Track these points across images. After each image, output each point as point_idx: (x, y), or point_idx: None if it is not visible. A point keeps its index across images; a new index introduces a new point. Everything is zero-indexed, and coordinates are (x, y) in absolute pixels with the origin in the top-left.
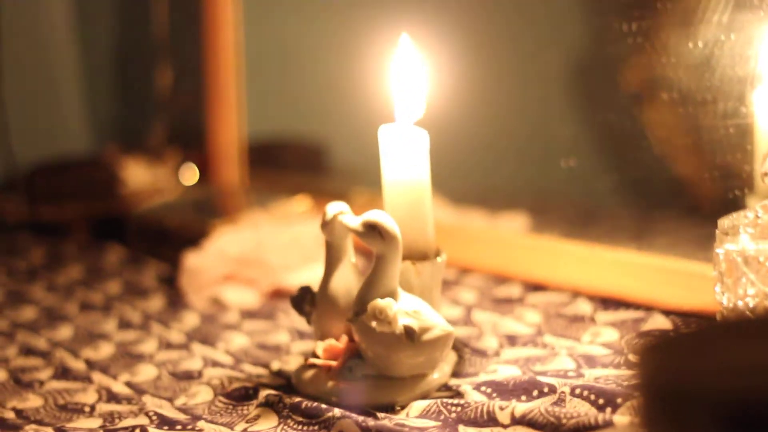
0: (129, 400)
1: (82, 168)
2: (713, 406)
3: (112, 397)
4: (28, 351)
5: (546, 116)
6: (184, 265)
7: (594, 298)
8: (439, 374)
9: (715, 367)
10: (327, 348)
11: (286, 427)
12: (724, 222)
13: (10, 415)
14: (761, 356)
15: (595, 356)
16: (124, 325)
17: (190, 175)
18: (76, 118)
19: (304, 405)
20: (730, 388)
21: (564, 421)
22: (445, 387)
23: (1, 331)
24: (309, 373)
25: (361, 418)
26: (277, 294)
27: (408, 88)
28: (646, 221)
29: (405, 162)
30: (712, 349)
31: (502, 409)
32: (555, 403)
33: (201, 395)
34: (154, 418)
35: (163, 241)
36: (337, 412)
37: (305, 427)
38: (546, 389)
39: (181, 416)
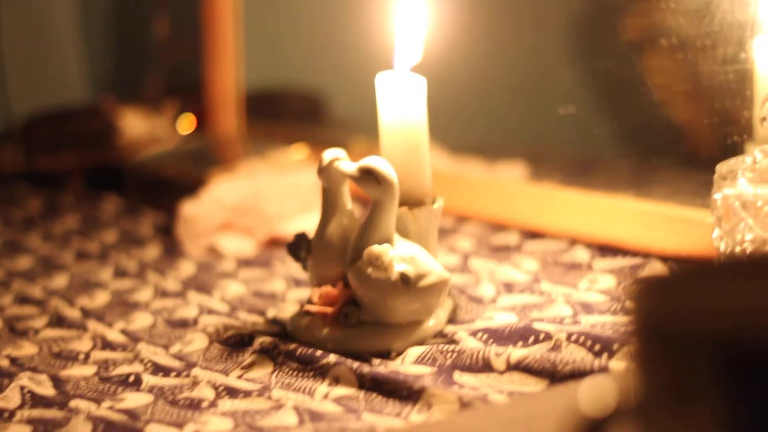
0: (124, 348)
1: (79, 118)
2: (711, 346)
3: (107, 345)
4: (23, 300)
5: (544, 63)
6: (181, 213)
7: (591, 246)
8: (435, 321)
9: (712, 309)
10: (322, 294)
11: (281, 373)
12: (722, 167)
13: (5, 362)
14: (758, 296)
15: (592, 303)
16: (120, 273)
17: (187, 124)
18: (73, 67)
19: (299, 352)
20: (727, 329)
21: (560, 367)
22: (441, 334)
23: None
24: (304, 320)
25: (356, 365)
26: (274, 242)
27: (407, 32)
28: (644, 168)
29: (402, 108)
30: (709, 291)
31: (497, 355)
32: (551, 350)
33: (196, 343)
34: (149, 365)
35: (159, 191)
36: (332, 358)
37: (300, 374)
38: (542, 336)
39: (176, 363)
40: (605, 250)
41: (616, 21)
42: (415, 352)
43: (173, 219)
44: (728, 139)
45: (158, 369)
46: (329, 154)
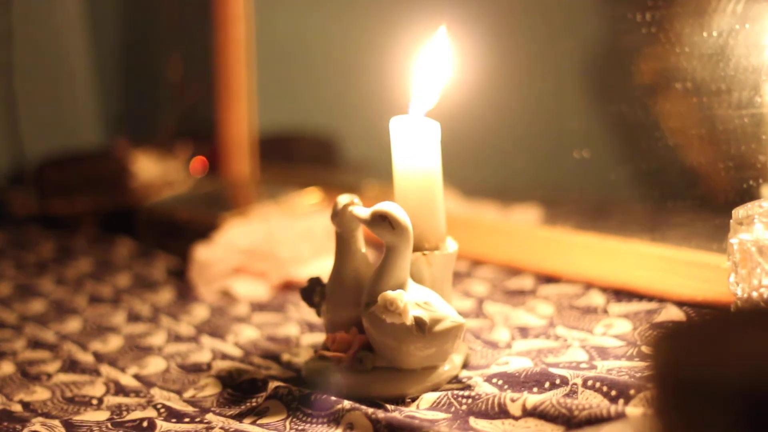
0: (137, 393)
1: (92, 161)
2: (728, 396)
3: (120, 390)
4: (36, 344)
5: (559, 107)
6: (195, 257)
7: (607, 290)
8: (450, 366)
9: (730, 357)
10: (337, 339)
11: (295, 419)
12: (739, 212)
13: (17, 407)
14: None
15: (608, 348)
16: (133, 317)
17: (200, 167)
18: (86, 110)
19: (313, 397)
20: (744, 379)
21: (576, 412)
22: (456, 379)
23: (9, 324)
24: (319, 365)
25: (371, 410)
26: (287, 286)
27: (422, 78)
28: (659, 212)
29: (416, 153)
30: (727, 339)
31: (513, 400)
32: (567, 395)
33: (210, 388)
34: (163, 410)
35: (172, 234)
36: (346, 404)
37: (314, 420)
38: (558, 381)
39: (190, 409)
40: (620, 294)
41: (630, 65)
42: (430, 397)
43: (186, 263)
44: (744, 183)
45: (172, 414)
46: (343, 199)
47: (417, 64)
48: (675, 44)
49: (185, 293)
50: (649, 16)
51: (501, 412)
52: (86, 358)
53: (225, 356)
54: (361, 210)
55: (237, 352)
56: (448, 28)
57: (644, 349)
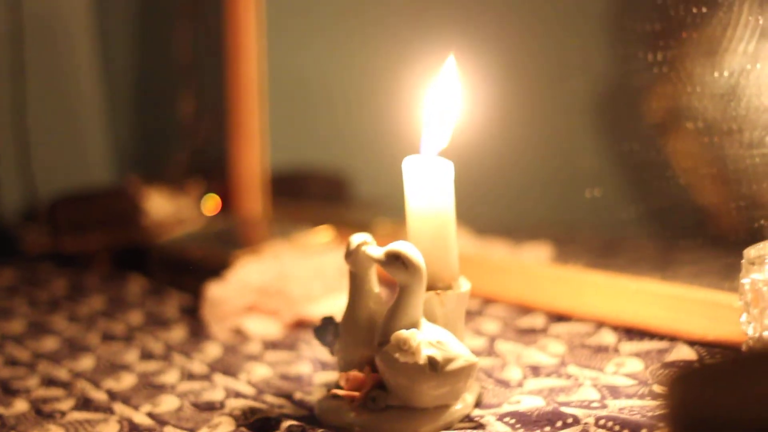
0: (151, 431)
1: (104, 198)
2: None
3: (134, 428)
4: (49, 382)
5: (570, 145)
6: (207, 295)
7: (618, 329)
8: (462, 405)
9: (743, 397)
10: (350, 378)
11: None
12: (750, 251)
13: None
14: None
15: (620, 387)
16: (146, 355)
17: (212, 205)
18: (97, 148)
19: None
20: (757, 419)
21: None
22: (468, 418)
23: (22, 362)
24: (332, 404)
25: None
26: (300, 325)
27: (437, 117)
28: (670, 251)
29: (429, 193)
30: (740, 379)
31: None
32: None
33: (223, 426)
34: None
35: (185, 272)
36: None
37: None
38: (570, 420)
39: None
40: (632, 333)
41: (642, 104)
42: None
43: (198, 300)
44: (755, 222)
45: None
46: (356, 239)
47: (427, 100)
48: (686, 84)
49: (198, 331)
50: (660, 55)
51: None
52: (100, 396)
53: (238, 394)
54: (375, 249)
55: (250, 391)
56: (457, 63)
57: (656, 388)
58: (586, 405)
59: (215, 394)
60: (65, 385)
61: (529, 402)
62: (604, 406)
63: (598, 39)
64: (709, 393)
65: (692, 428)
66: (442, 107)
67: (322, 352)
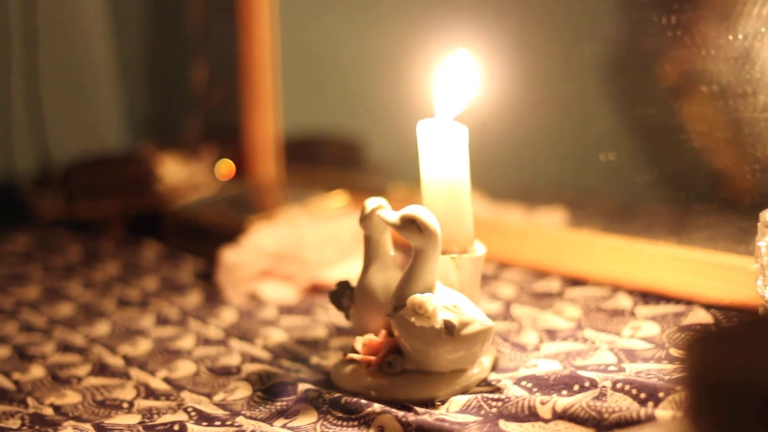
0: (167, 396)
1: (118, 164)
2: (759, 399)
3: (151, 393)
4: (65, 347)
5: (585, 110)
6: (222, 260)
7: (634, 292)
8: (479, 369)
9: (761, 360)
10: (366, 343)
11: (325, 422)
12: (766, 214)
13: (49, 411)
14: None
15: (636, 350)
16: (162, 321)
17: (226, 170)
18: (111, 114)
19: (343, 400)
20: None
21: (606, 415)
22: (485, 382)
23: (38, 328)
24: (348, 368)
25: (401, 413)
26: (314, 289)
27: (454, 86)
28: (685, 215)
29: (444, 157)
30: (757, 342)
31: (543, 403)
32: (596, 398)
33: (239, 391)
34: (193, 414)
35: (199, 237)
36: (377, 407)
37: (345, 423)
38: (587, 384)
39: (220, 412)
40: (648, 296)
41: (656, 68)
42: (459, 400)
43: (213, 266)
44: None
45: (202, 418)
46: (371, 203)
47: (442, 74)
48: (700, 47)
49: (213, 296)
50: (674, 19)
51: (531, 415)
52: (116, 361)
53: (254, 359)
54: (390, 214)
55: (266, 355)
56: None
57: (674, 352)
58: (603, 369)
59: (231, 359)
60: (81, 351)
61: (546, 366)
62: (621, 370)
63: (611, 2)
64: (726, 356)
65: (710, 391)
66: (457, 79)
67: (338, 317)
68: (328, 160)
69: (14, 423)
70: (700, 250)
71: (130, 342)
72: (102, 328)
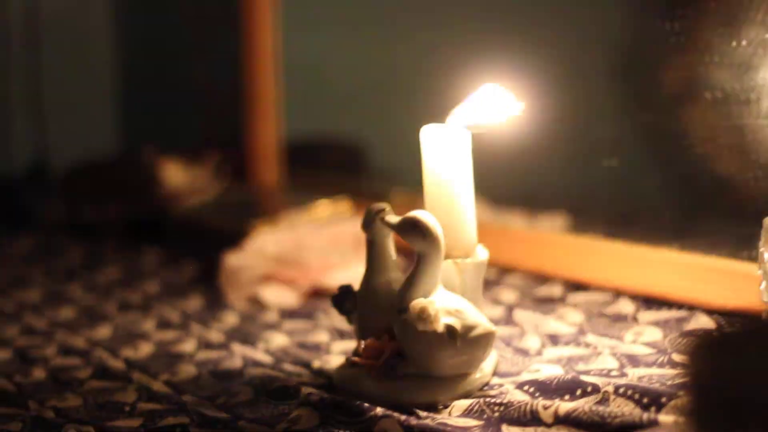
0: (169, 400)
1: (120, 169)
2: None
3: (152, 397)
4: (67, 350)
5: (588, 115)
6: (224, 264)
7: (636, 298)
8: (481, 373)
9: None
10: (368, 346)
11: (327, 426)
12: None
13: (50, 414)
14: None
15: (638, 355)
16: (164, 324)
17: (228, 174)
18: (113, 118)
19: (345, 404)
20: None
21: (608, 420)
22: (487, 386)
23: (40, 331)
24: (350, 372)
25: (403, 417)
26: (317, 293)
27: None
28: (688, 220)
29: (447, 162)
30: (759, 348)
31: (545, 408)
32: (599, 403)
33: (242, 395)
34: (195, 417)
35: (201, 241)
36: (379, 411)
37: (347, 426)
38: (589, 388)
39: (222, 415)
40: (650, 302)
41: (659, 74)
42: (461, 404)
43: (215, 270)
44: None
45: (205, 421)
46: (374, 207)
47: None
48: (704, 53)
49: (214, 300)
50: (678, 25)
51: (533, 420)
52: (117, 364)
53: (256, 363)
54: (393, 218)
55: (268, 359)
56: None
57: (676, 357)
58: (606, 373)
59: (233, 363)
60: (83, 354)
61: (548, 370)
62: (623, 375)
63: (615, 8)
64: (729, 361)
65: (712, 396)
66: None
67: (340, 321)
68: (331, 164)
69: (15, 426)
70: (702, 256)
71: (131, 345)
72: (104, 332)
